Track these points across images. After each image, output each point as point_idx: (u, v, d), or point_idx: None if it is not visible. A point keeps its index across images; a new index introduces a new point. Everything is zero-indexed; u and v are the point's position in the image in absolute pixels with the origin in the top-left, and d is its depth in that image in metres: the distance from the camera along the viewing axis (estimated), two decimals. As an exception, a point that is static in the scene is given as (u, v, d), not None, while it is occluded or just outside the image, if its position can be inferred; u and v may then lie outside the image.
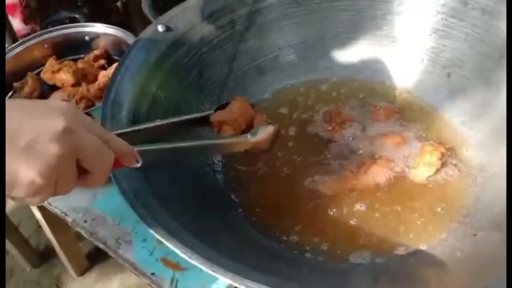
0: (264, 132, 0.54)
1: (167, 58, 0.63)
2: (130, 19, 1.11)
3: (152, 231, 0.42)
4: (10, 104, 0.33)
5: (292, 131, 0.67)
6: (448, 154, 0.60)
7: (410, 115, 0.66)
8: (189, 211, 0.52)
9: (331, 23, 0.72)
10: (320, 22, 0.72)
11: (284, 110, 0.70)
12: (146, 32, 0.62)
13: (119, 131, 0.48)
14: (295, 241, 0.55)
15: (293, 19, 0.71)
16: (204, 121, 0.56)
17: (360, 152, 0.63)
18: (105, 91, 0.55)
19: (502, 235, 0.50)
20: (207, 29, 0.67)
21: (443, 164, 0.59)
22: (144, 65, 0.60)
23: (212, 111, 0.58)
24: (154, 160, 0.45)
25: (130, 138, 0.42)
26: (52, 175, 0.32)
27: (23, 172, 0.31)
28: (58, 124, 0.32)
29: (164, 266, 0.61)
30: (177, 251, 0.40)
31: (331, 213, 0.57)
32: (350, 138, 0.64)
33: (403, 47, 0.71)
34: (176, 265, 0.60)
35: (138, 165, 0.41)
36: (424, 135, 0.63)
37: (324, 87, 0.72)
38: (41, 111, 0.33)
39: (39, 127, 0.32)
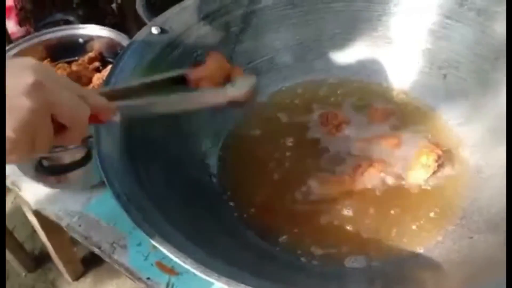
0: (243, 83, 0.52)
1: (161, 60, 0.62)
2: (125, 21, 1.10)
3: (145, 235, 0.42)
4: None
5: (288, 134, 0.66)
6: (445, 156, 0.60)
7: (406, 116, 0.66)
8: (184, 214, 0.52)
9: (327, 24, 0.72)
10: (316, 24, 0.71)
11: (280, 112, 0.69)
12: (140, 34, 0.62)
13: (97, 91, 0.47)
14: (291, 245, 0.55)
15: (289, 20, 0.71)
16: (182, 82, 0.53)
17: (357, 154, 0.62)
18: (98, 94, 0.54)
19: (499, 237, 0.50)
20: (202, 31, 0.66)
21: (440, 166, 0.59)
22: (138, 68, 0.59)
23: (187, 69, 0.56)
24: (133, 116, 0.45)
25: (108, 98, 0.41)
26: (26, 130, 0.32)
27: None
28: (28, 78, 0.32)
29: (159, 270, 0.60)
30: (171, 255, 0.40)
31: (327, 216, 0.57)
32: (347, 140, 0.64)
33: (399, 48, 0.70)
34: (171, 270, 0.60)
35: (116, 119, 0.40)
36: (420, 136, 0.63)
37: (321, 88, 0.71)
38: (14, 70, 0.33)
39: (11, 84, 0.32)
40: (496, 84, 0.62)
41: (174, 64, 0.63)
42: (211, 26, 0.67)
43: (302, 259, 0.54)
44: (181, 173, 0.58)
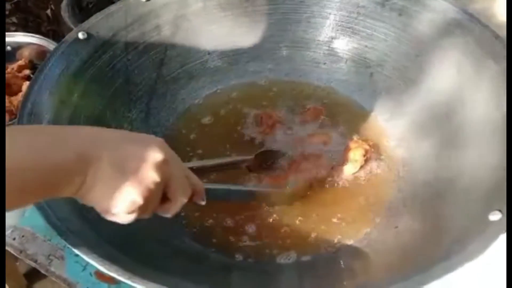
0: (298, 186, 0.60)
1: (89, 66, 0.61)
2: (60, 28, 1.08)
3: (67, 244, 0.41)
4: (105, 129, 0.38)
5: (223, 134, 0.67)
6: (372, 151, 0.62)
7: (336, 114, 0.68)
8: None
9: (258, 27, 0.73)
10: (246, 26, 0.73)
11: (215, 114, 0.70)
12: (66, 40, 0.60)
13: None
14: (225, 245, 0.55)
15: (220, 23, 0.72)
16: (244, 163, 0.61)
17: (290, 153, 0.64)
18: (21, 103, 0.52)
19: (422, 226, 0.52)
20: (131, 36, 0.66)
21: (367, 160, 0.61)
22: (64, 74, 0.58)
23: (252, 156, 0.61)
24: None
25: None
26: (148, 199, 0.37)
27: (129, 192, 0.35)
28: (159, 155, 0.37)
29: (98, 280, 0.59)
30: (95, 263, 0.39)
31: (262, 214, 0.58)
32: (281, 140, 0.65)
33: (328, 49, 0.73)
34: (111, 278, 0.59)
35: (203, 203, 0.44)
36: (349, 133, 0.66)
37: (255, 90, 0.72)
38: (139, 140, 0.38)
39: (145, 155, 0.36)
40: (417, 81, 0.65)
41: (103, 69, 0.63)
42: (140, 30, 0.66)
43: (237, 257, 0.54)
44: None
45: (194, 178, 0.43)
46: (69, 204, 0.46)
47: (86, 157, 0.34)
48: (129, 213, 0.37)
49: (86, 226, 0.44)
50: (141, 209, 0.37)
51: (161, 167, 0.36)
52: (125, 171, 0.35)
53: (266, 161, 0.62)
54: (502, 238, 0.40)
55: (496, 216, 0.42)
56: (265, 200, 0.58)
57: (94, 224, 0.45)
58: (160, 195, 0.38)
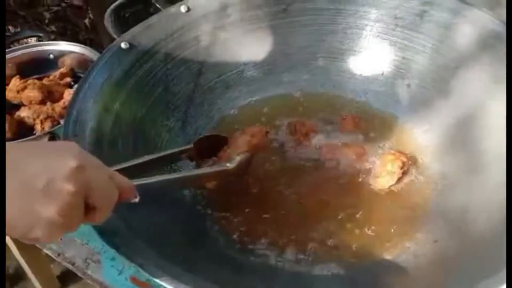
0: (241, 159, 0.57)
1: (131, 75, 0.63)
2: (98, 37, 1.11)
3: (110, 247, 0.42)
4: (15, 146, 0.34)
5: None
6: (409, 163, 0.62)
7: (372, 125, 0.68)
8: (155, 230, 0.52)
9: (294, 38, 0.73)
10: (283, 37, 0.73)
11: (249, 122, 0.70)
12: (109, 50, 0.62)
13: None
14: (264, 255, 0.55)
15: (257, 34, 0.73)
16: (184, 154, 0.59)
17: (324, 162, 0.64)
18: (66, 110, 0.54)
19: (462, 241, 0.51)
20: (171, 46, 0.67)
21: (405, 173, 0.61)
22: (107, 83, 0.60)
23: (191, 145, 0.59)
24: (145, 193, 0.46)
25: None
26: (68, 214, 0.33)
27: (44, 212, 0.32)
28: (71, 163, 0.34)
29: (133, 285, 0.60)
30: (141, 270, 0.40)
31: (300, 227, 0.57)
32: (314, 148, 0.65)
33: (364, 60, 0.73)
34: (146, 284, 0.60)
35: (136, 200, 0.41)
36: (386, 144, 0.65)
37: (289, 100, 0.73)
38: (50, 151, 0.35)
39: (53, 168, 0.33)
40: (456, 93, 0.64)
41: (144, 79, 0.64)
42: (180, 41, 0.68)
43: (275, 267, 0.54)
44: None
45: (119, 177, 0.39)
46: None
47: None
48: (48, 235, 0.33)
49: (132, 233, 0.45)
50: (64, 226, 0.33)
51: (74, 176, 0.33)
52: (34, 190, 0.32)
53: (206, 147, 0.60)
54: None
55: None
56: (209, 181, 0.57)
57: (133, 226, 0.46)
58: (81, 205, 0.35)
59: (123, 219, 0.46)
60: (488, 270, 0.41)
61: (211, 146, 0.61)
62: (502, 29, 0.61)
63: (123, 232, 0.45)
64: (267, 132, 0.63)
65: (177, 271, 0.42)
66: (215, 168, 0.57)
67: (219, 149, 0.61)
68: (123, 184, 0.39)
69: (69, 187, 0.33)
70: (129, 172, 0.43)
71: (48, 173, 0.33)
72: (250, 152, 0.59)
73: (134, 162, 0.52)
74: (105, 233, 0.44)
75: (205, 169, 0.58)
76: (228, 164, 0.57)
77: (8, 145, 0.33)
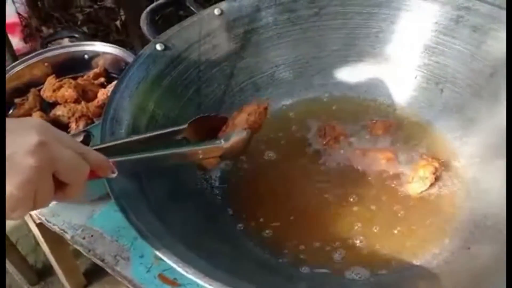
0: (235, 137, 0.55)
1: (165, 76, 0.64)
2: (128, 38, 1.13)
3: (150, 246, 0.43)
4: None
5: (288, 146, 0.68)
6: (442, 169, 0.61)
7: (404, 130, 0.67)
8: (187, 225, 0.53)
9: (325, 41, 0.74)
10: (315, 40, 0.73)
11: (280, 126, 0.71)
12: (145, 51, 0.64)
13: (96, 147, 0.48)
14: (293, 257, 0.55)
15: (289, 37, 0.73)
16: (178, 134, 0.57)
17: (355, 166, 0.64)
18: (104, 108, 0.55)
19: (496, 248, 0.50)
20: (204, 48, 0.68)
21: (437, 178, 0.60)
22: (142, 83, 0.61)
23: (186, 125, 0.57)
24: (131, 170, 0.47)
25: (109, 152, 0.43)
26: (30, 188, 0.34)
27: (5, 186, 0.33)
28: (32, 138, 0.34)
29: (162, 282, 0.61)
30: (173, 264, 0.41)
31: (330, 229, 0.57)
32: (345, 152, 0.65)
33: (397, 64, 0.72)
34: (174, 282, 0.60)
35: (114, 175, 0.42)
36: (418, 149, 0.64)
37: (319, 103, 0.73)
38: (14, 127, 0.35)
39: (14, 142, 0.33)
40: (491, 99, 0.63)
41: (178, 79, 0.65)
42: (213, 43, 0.68)
43: (304, 270, 0.54)
44: (184, 185, 0.59)
45: (93, 153, 0.40)
46: (148, 206, 0.48)
47: None
48: (11, 209, 0.34)
49: (163, 228, 0.46)
50: (25, 201, 0.34)
51: (36, 151, 0.33)
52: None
53: (206, 128, 0.58)
54: None
55: None
56: (199, 157, 0.54)
57: (168, 226, 0.47)
58: (48, 181, 0.35)
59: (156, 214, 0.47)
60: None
61: (211, 127, 0.59)
62: (538, 35, 0.60)
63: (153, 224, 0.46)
64: (265, 109, 0.60)
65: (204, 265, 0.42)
66: (206, 145, 0.54)
67: (219, 129, 0.59)
68: (96, 160, 0.40)
69: (30, 161, 0.33)
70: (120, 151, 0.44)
71: (10, 148, 0.33)
72: (248, 129, 0.57)
73: (123, 140, 0.52)
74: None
75: (194, 146, 0.55)
76: (222, 141, 0.55)
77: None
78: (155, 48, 0.64)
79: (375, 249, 0.55)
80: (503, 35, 0.63)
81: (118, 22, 1.19)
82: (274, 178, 0.64)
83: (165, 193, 0.54)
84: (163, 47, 0.64)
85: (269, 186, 0.63)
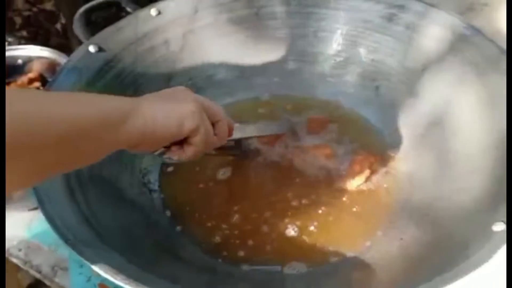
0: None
1: (99, 79, 0.62)
2: (69, 42, 1.09)
3: (77, 253, 0.41)
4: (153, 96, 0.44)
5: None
6: (378, 163, 0.62)
7: (342, 127, 0.68)
8: (124, 231, 0.52)
9: (265, 41, 0.74)
10: (254, 41, 0.74)
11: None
12: (77, 53, 0.62)
13: None
14: (232, 256, 0.55)
15: (228, 38, 0.73)
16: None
17: (293, 164, 0.64)
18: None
19: (427, 238, 0.52)
20: (141, 49, 0.67)
21: (373, 173, 0.62)
22: (75, 86, 0.59)
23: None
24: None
25: None
26: (198, 114, 0.43)
27: (186, 107, 0.42)
28: (189, 106, 0.43)
29: (102, 292, 0.59)
30: (100, 271, 0.39)
31: (268, 226, 0.58)
32: (283, 150, 0.66)
33: (334, 62, 0.73)
34: (114, 290, 0.59)
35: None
36: (354, 145, 0.65)
37: (260, 103, 0.73)
38: (175, 94, 0.46)
39: (185, 94, 0.46)
40: (423, 94, 0.65)
41: (113, 82, 0.64)
42: (150, 44, 0.67)
43: (244, 267, 0.54)
44: (119, 190, 0.58)
45: (224, 127, 0.49)
46: (77, 213, 0.47)
47: (136, 100, 0.40)
48: (194, 124, 0.42)
49: (92, 234, 0.45)
50: (200, 120, 0.43)
51: (199, 111, 0.43)
52: (177, 101, 0.43)
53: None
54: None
55: (500, 227, 0.42)
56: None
57: (100, 233, 0.45)
58: (207, 122, 0.45)
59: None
60: (450, 263, 0.41)
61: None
62: (469, 32, 0.62)
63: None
64: None
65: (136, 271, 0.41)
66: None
67: None
68: (224, 133, 0.49)
69: (192, 95, 0.46)
70: None
71: (184, 93, 0.46)
72: None
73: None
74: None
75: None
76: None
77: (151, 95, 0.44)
78: (88, 50, 0.62)
79: (311, 243, 0.56)
80: (433, 32, 0.65)
81: (58, 25, 1.15)
82: (211, 178, 0.64)
83: (99, 199, 0.53)
84: (97, 49, 0.63)
85: (207, 186, 0.63)
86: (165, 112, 0.41)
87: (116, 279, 0.39)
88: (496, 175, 0.50)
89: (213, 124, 0.47)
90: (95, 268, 0.40)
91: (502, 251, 0.40)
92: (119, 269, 0.40)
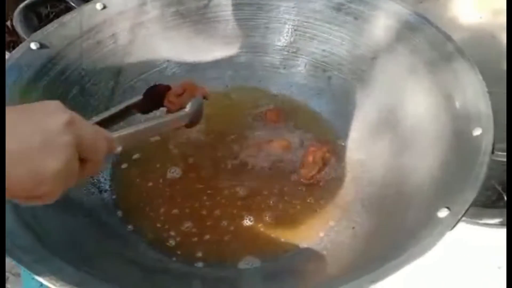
0: (194, 105, 0.56)
1: (42, 76, 0.60)
2: (20, 39, 1.06)
3: (15, 261, 0.40)
4: (12, 109, 0.34)
5: (183, 141, 0.66)
6: (330, 154, 0.63)
7: (295, 119, 0.68)
8: (72, 234, 0.51)
9: (217, 33, 0.73)
10: (206, 33, 0.72)
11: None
12: (18, 51, 0.60)
13: None
14: (186, 254, 0.55)
15: (179, 30, 0.71)
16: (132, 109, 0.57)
17: (249, 156, 0.64)
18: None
19: (377, 225, 0.53)
20: (87, 44, 0.65)
21: (325, 163, 0.62)
22: (16, 85, 0.57)
23: (141, 96, 0.58)
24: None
25: None
26: (70, 165, 0.35)
27: (48, 166, 0.33)
28: (63, 117, 0.35)
29: (56, 296, 0.57)
30: (40, 278, 0.38)
31: (222, 222, 0.57)
32: (240, 145, 0.65)
33: (287, 54, 0.73)
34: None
35: (119, 149, 0.44)
36: (307, 136, 0.66)
37: (214, 96, 0.72)
38: (39, 110, 0.35)
39: (48, 123, 0.34)
40: (373, 83, 0.66)
41: (57, 79, 0.62)
42: (96, 39, 0.65)
43: (198, 265, 0.54)
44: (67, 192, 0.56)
45: (102, 129, 0.42)
46: (16, 218, 0.45)
47: None
48: (55, 188, 0.35)
49: (33, 239, 0.43)
50: (66, 179, 0.35)
51: (68, 129, 0.35)
52: (36, 147, 0.33)
53: (152, 98, 0.59)
54: (449, 235, 0.41)
55: (444, 213, 0.43)
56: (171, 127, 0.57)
57: (41, 237, 0.44)
58: (77, 157, 0.36)
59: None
60: (398, 250, 0.42)
61: (158, 96, 0.59)
62: (417, 21, 0.63)
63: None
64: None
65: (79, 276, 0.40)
66: (179, 114, 0.56)
67: (162, 98, 0.59)
68: (108, 138, 0.42)
69: (66, 138, 0.34)
70: None
71: (43, 130, 0.34)
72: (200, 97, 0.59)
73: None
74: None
75: (171, 116, 0.56)
76: (187, 108, 0.56)
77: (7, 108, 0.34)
78: (29, 47, 0.60)
79: (265, 237, 0.56)
80: (381, 21, 0.66)
81: (9, 23, 1.10)
82: (163, 177, 0.63)
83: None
84: (38, 45, 0.60)
85: (159, 185, 0.62)
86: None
87: (55, 285, 0.38)
88: (442, 161, 0.51)
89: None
90: (35, 275, 0.39)
91: (447, 237, 0.41)
92: (60, 276, 0.39)
